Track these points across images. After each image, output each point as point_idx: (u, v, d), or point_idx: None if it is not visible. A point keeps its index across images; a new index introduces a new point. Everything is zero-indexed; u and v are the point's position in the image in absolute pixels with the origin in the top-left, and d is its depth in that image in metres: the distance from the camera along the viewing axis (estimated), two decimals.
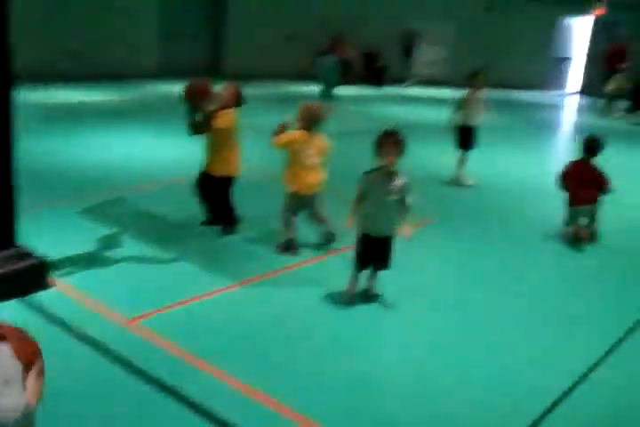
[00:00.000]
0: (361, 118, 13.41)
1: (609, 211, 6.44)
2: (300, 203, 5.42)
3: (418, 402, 3.43)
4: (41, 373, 2.23)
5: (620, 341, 4.28)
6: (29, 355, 2.17)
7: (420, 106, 15.59)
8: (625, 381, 3.81)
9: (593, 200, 6.14)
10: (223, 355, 3.74)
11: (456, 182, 8.23)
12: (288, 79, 16.96)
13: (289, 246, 5.43)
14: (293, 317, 4.33)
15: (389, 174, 4.40)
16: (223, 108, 5.44)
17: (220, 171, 5.58)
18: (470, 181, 8.18)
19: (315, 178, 5.34)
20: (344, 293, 4.59)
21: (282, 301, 4.55)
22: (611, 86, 15.65)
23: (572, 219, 6.26)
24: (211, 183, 5.66)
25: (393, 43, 19.97)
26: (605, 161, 6.25)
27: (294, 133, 5.26)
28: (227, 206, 5.76)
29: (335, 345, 3.98)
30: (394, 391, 3.51)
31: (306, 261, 5.27)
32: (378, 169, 4.41)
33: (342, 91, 14.96)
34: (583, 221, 6.24)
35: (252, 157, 8.94)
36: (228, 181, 5.64)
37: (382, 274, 4.62)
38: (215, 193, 5.72)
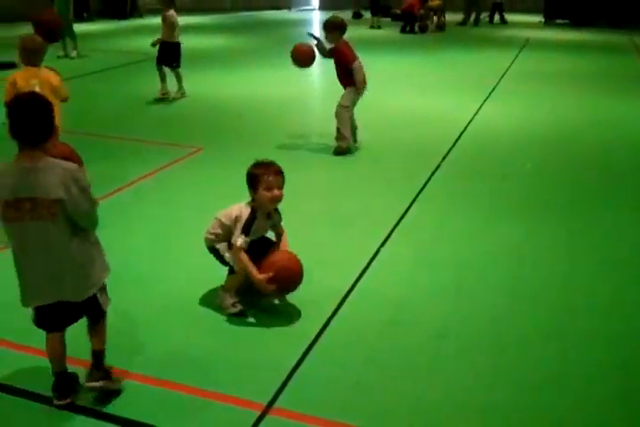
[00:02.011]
0: (108, 55, 12.69)
1: (371, 116, 6.84)
2: None
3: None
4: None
5: (387, 238, 4.64)
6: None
7: None
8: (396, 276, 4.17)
9: None
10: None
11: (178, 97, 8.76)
12: (18, 21, 15.48)
13: None
14: None
15: (270, 214, 3.50)
16: None
17: None
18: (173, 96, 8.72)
19: None
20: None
21: None
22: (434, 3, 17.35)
23: (354, 104, 6.38)
24: None
25: None
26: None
27: (13, 74, 4.82)
28: None
29: (118, 291, 3.86)
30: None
31: None
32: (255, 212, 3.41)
33: (83, 27, 13.96)
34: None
35: None
36: None
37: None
38: None
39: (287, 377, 3.00)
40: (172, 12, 8.69)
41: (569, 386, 2.99)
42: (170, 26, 8.63)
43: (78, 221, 2.59)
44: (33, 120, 2.53)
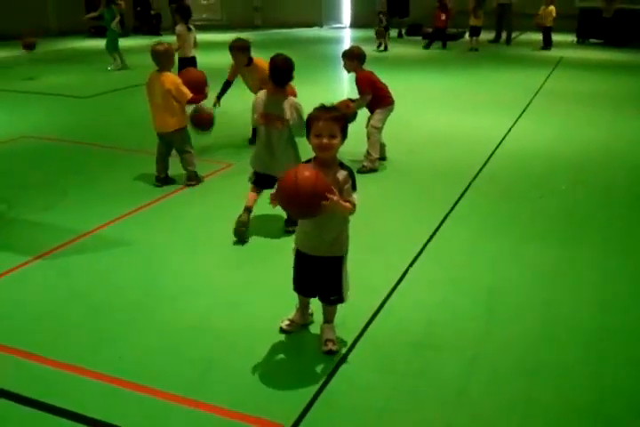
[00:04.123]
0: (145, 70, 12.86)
1: (401, 134, 6.79)
2: (161, 141, 5.88)
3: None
4: None
5: (417, 257, 4.57)
6: None
7: (206, 52, 15.23)
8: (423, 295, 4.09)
9: None
10: (29, 338, 3.46)
11: None
12: (65, 35, 15.90)
13: (156, 180, 5.95)
14: (96, 287, 4.10)
15: (327, 166, 3.10)
16: None
17: None
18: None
19: (159, 118, 5.70)
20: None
21: (83, 270, 4.29)
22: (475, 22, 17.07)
23: (384, 123, 6.44)
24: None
25: None
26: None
27: (150, 75, 5.76)
28: None
29: (145, 307, 3.84)
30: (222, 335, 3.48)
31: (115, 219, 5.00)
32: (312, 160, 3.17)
33: (122, 43, 14.18)
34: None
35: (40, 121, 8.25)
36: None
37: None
38: None
39: (312, 400, 2.94)
40: (178, 27, 9.04)
41: (605, 414, 2.88)
42: (178, 41, 8.87)
43: (294, 132, 4.65)
44: (283, 72, 4.66)
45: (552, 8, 16.77)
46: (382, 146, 6.65)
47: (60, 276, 4.17)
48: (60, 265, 4.32)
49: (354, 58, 6.32)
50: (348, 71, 6.47)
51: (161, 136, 5.86)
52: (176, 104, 5.68)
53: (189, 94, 5.66)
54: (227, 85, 7.17)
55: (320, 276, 3.28)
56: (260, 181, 4.86)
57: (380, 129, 6.42)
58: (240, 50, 6.75)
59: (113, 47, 12.85)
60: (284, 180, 2.98)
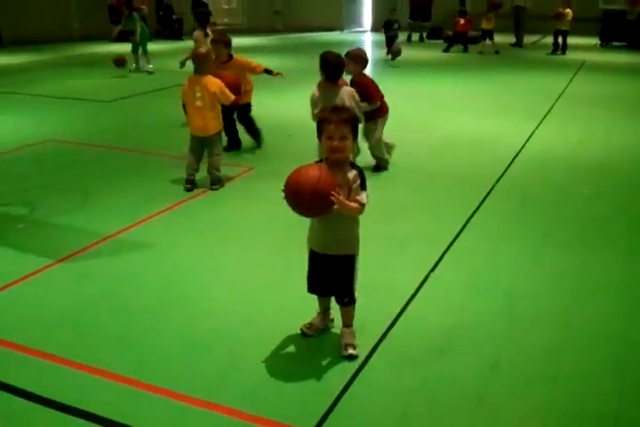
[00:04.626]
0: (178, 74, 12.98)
1: (421, 138, 6.77)
2: (197, 144, 5.87)
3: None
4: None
5: (436, 264, 4.56)
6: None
7: None
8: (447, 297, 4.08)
9: None
10: (51, 340, 3.50)
11: None
12: (88, 40, 16.16)
13: (186, 182, 5.90)
14: (117, 290, 4.14)
15: (338, 167, 3.10)
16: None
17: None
18: None
19: (201, 121, 5.73)
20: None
21: (104, 273, 4.32)
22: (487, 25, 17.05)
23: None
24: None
25: None
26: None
27: (187, 79, 5.82)
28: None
29: (166, 310, 3.86)
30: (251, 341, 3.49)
31: (132, 225, 5.04)
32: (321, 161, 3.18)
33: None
34: None
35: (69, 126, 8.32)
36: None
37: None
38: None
39: (332, 404, 2.94)
40: (195, 33, 9.21)
41: (627, 421, 2.85)
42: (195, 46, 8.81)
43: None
44: (335, 68, 5.36)
45: (568, 11, 16.46)
46: (389, 147, 6.66)
47: (82, 279, 4.22)
48: (82, 268, 4.36)
49: (358, 60, 6.21)
50: (347, 73, 6.19)
51: (196, 138, 5.88)
52: (218, 107, 5.77)
53: (232, 96, 5.78)
54: None
55: (332, 275, 3.30)
56: None
57: (381, 139, 6.42)
58: (222, 43, 6.93)
59: (134, 49, 13.05)
60: (288, 178, 3.04)
